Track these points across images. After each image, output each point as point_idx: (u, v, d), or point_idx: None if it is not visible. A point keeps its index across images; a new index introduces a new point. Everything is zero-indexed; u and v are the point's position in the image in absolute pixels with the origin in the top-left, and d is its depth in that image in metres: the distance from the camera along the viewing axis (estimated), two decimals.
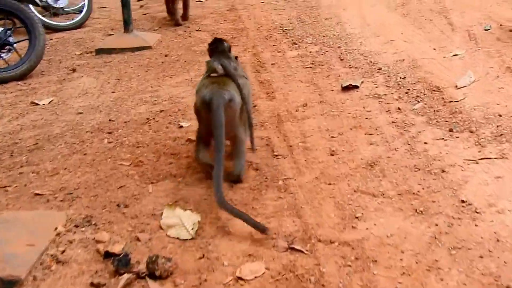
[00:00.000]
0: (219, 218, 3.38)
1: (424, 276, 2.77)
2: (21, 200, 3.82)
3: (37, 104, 5.83)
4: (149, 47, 7.67)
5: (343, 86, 5.42)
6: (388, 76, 5.64)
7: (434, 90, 5.10)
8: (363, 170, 3.82)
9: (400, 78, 5.51)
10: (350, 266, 2.92)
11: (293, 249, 3.09)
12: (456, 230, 3.10)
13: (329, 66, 6.24)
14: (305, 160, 4.03)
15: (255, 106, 5.21)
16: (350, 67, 6.07)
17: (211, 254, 3.09)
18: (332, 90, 5.45)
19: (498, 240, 3.02)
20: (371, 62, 6.14)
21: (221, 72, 3.59)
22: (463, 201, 3.37)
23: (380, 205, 3.42)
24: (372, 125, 4.53)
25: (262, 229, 3.07)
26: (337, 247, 3.05)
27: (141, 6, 10.65)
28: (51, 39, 8.52)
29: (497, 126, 4.27)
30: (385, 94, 5.17)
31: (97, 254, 3.14)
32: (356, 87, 5.42)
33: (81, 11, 9.45)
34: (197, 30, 8.39)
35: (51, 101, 5.92)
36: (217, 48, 3.86)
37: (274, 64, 6.45)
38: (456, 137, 4.17)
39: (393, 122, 4.56)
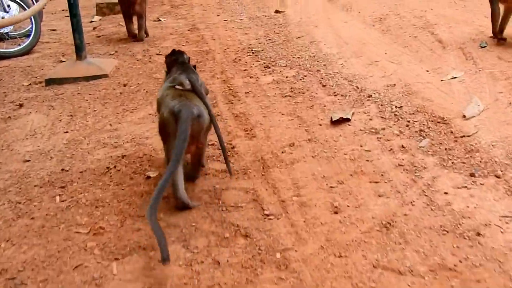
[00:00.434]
0: None
1: None
2: None
3: None
4: (105, 76, 6.91)
5: (333, 119, 4.57)
6: (381, 105, 4.92)
7: (438, 122, 4.40)
8: (378, 234, 3.07)
9: (396, 107, 4.79)
10: None
11: None
12: None
13: (311, 93, 5.59)
14: (304, 221, 3.30)
15: (233, 147, 4.39)
16: (335, 95, 5.32)
17: None
18: (320, 125, 4.70)
19: None
20: (358, 88, 5.41)
21: (188, 87, 3.59)
22: None
23: None
24: (375, 169, 3.77)
25: (164, 258, 2.87)
26: None
27: (94, 28, 9.79)
28: None
29: None
30: (383, 128, 4.44)
31: None
32: (348, 119, 4.67)
33: (29, 36, 8.48)
34: (157, 54, 7.63)
35: None
36: (177, 59, 3.88)
37: (248, 93, 5.70)
38: (481, 184, 3.45)
39: (400, 165, 3.82)
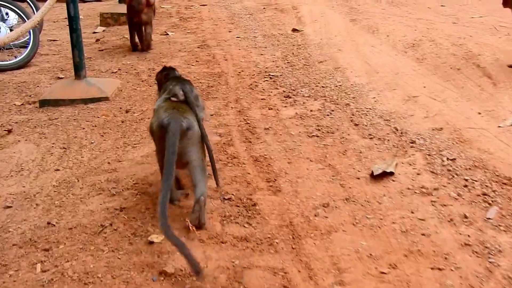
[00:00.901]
0: None
1: None
2: None
3: None
4: (106, 99, 6.26)
5: (374, 173, 3.71)
6: (429, 154, 4.14)
7: (505, 183, 3.60)
8: None
9: (448, 159, 4.02)
10: None
11: None
12: None
13: (342, 134, 4.92)
14: None
15: (254, 204, 3.60)
16: (371, 137, 4.55)
17: None
18: (358, 178, 3.90)
19: None
20: (397, 130, 4.62)
21: (181, 98, 3.56)
22: None
23: None
24: (436, 248, 3.00)
25: (197, 271, 2.87)
26: None
27: (97, 40, 8.96)
28: None
29: None
30: (436, 189, 3.64)
31: None
32: (391, 173, 3.74)
33: (26, 47, 7.64)
34: None
35: None
36: (169, 74, 3.88)
37: (268, 129, 5.06)
38: None
39: (466, 244, 3.05)
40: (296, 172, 4.12)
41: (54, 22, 10.80)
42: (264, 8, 10.96)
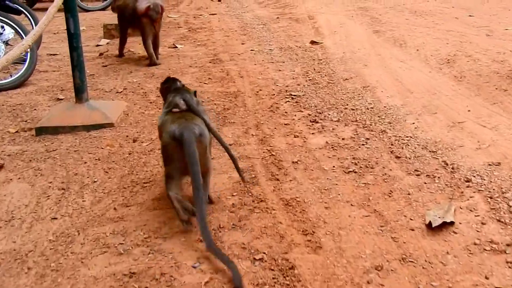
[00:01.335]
0: None
1: None
2: None
3: None
4: (110, 125, 5.65)
5: (432, 224, 2.99)
6: (491, 197, 3.48)
7: None
8: None
9: None
10: None
11: None
12: None
13: (383, 170, 4.30)
14: None
15: (291, 267, 3.13)
16: (418, 174, 3.94)
17: None
18: (412, 229, 3.28)
19: None
20: (447, 164, 3.99)
21: (183, 107, 3.55)
22: None
23: None
24: None
25: (237, 283, 2.84)
26: None
27: (101, 55, 8.26)
28: None
29: None
30: (509, 245, 2.97)
31: None
32: (451, 223, 3.01)
33: (23, 63, 6.89)
34: None
35: None
36: (171, 86, 3.85)
37: (297, 163, 4.52)
38: None
39: None
40: (336, 220, 3.42)
41: (54, 34, 10.14)
42: (277, 17, 10.29)
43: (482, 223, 3.35)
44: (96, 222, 3.68)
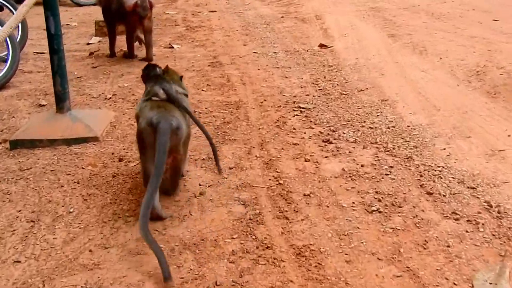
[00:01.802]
0: None
1: None
2: None
3: None
4: (94, 139, 4.98)
5: None
6: None
7: None
8: None
9: None
10: None
11: None
12: None
13: (414, 209, 3.63)
14: None
15: None
16: (457, 217, 3.36)
17: None
18: None
19: None
20: (490, 206, 3.44)
21: (163, 97, 3.55)
22: None
23: None
24: None
25: (166, 277, 2.85)
26: None
27: (91, 54, 7.50)
28: None
29: None
30: None
31: None
32: None
33: (5, 63, 6.15)
34: None
35: None
36: (149, 73, 3.81)
37: (309, 196, 3.86)
38: None
39: None
40: (361, 281, 2.80)
41: (43, 30, 9.25)
42: (282, 16, 9.54)
43: None
44: (67, 270, 3.01)
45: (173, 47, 7.93)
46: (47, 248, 3.25)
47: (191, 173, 4.05)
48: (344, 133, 4.67)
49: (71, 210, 3.66)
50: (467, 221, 3.30)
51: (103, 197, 3.81)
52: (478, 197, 3.55)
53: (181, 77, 3.95)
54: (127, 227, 3.42)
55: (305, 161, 4.23)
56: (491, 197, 3.54)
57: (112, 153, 4.49)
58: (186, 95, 3.86)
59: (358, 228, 3.29)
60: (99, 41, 8.48)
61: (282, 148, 4.45)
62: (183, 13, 10.31)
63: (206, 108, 5.35)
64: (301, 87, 5.91)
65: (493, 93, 5.41)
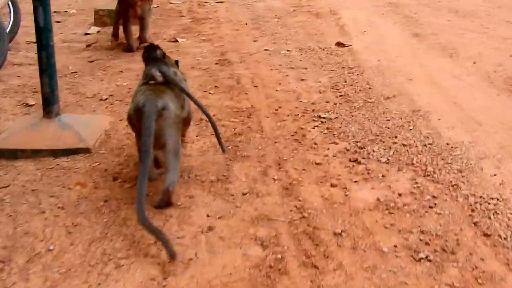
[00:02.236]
0: None
1: None
2: None
3: None
4: (85, 150, 4.30)
5: None
6: None
7: None
8: None
9: None
10: None
11: None
12: None
13: (470, 257, 2.99)
14: None
15: None
16: None
17: None
18: None
19: None
20: None
21: (160, 79, 3.52)
22: None
23: None
24: None
25: (172, 255, 2.86)
26: None
27: (88, 46, 6.82)
28: None
29: None
30: None
31: None
32: None
33: None
34: None
35: None
36: (150, 55, 3.74)
37: (340, 235, 3.23)
38: None
39: None
40: None
41: None
42: (294, 10, 8.83)
43: None
44: None
45: (177, 41, 7.21)
46: None
47: (198, 199, 3.35)
48: (373, 151, 3.98)
49: (51, 248, 3.00)
50: None
51: (92, 229, 3.13)
52: None
53: (177, 61, 3.97)
54: (119, 274, 2.76)
55: (332, 186, 3.55)
56: None
57: (105, 170, 3.80)
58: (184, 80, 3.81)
59: (405, 284, 2.58)
60: (98, 32, 7.79)
61: (303, 169, 3.77)
62: (189, 3, 9.61)
63: (214, 115, 4.67)
64: (320, 92, 5.21)
65: None
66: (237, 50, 6.82)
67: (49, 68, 4.18)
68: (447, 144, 4.12)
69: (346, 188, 3.56)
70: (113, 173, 3.81)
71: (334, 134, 4.37)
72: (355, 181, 3.65)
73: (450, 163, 3.83)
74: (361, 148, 4.10)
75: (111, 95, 5.27)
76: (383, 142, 4.19)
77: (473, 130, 4.36)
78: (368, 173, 3.74)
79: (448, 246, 2.94)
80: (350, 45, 6.86)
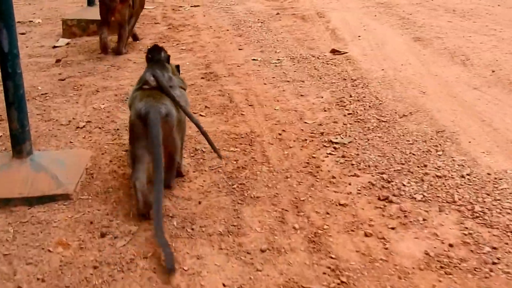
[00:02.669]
0: None
1: None
2: None
3: None
4: (65, 197, 3.59)
5: None
6: None
7: None
8: None
9: None
10: None
11: None
12: None
13: None
14: None
15: None
16: None
17: None
18: None
19: None
20: None
21: (153, 84, 3.42)
22: None
23: None
24: None
25: (170, 269, 2.75)
26: None
27: (58, 61, 6.08)
28: None
29: None
30: None
31: None
32: None
33: None
34: None
35: None
36: (153, 57, 3.64)
37: None
38: None
39: None
40: None
41: (18, 22, 7.70)
42: (277, 13, 8.18)
43: None
44: None
45: None
46: None
47: (207, 261, 2.73)
48: (404, 185, 3.37)
49: None
50: None
51: None
52: None
53: (178, 66, 3.87)
54: None
55: (366, 236, 2.94)
56: None
57: (91, 222, 3.15)
58: (184, 89, 3.68)
59: None
60: (68, 44, 7.03)
61: (327, 213, 3.14)
62: (162, 8, 8.94)
63: (209, 148, 3.93)
64: (325, 110, 4.57)
65: None
66: (222, 61, 6.17)
67: (17, 101, 3.48)
68: (488, 174, 3.52)
69: (384, 239, 2.95)
70: (101, 227, 3.14)
71: (352, 164, 3.72)
72: (392, 228, 3.04)
73: (498, 199, 3.22)
74: (389, 182, 3.46)
75: (88, 122, 4.58)
76: (412, 173, 3.57)
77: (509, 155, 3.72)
78: (405, 216, 3.11)
79: None
80: (346, 52, 6.27)
